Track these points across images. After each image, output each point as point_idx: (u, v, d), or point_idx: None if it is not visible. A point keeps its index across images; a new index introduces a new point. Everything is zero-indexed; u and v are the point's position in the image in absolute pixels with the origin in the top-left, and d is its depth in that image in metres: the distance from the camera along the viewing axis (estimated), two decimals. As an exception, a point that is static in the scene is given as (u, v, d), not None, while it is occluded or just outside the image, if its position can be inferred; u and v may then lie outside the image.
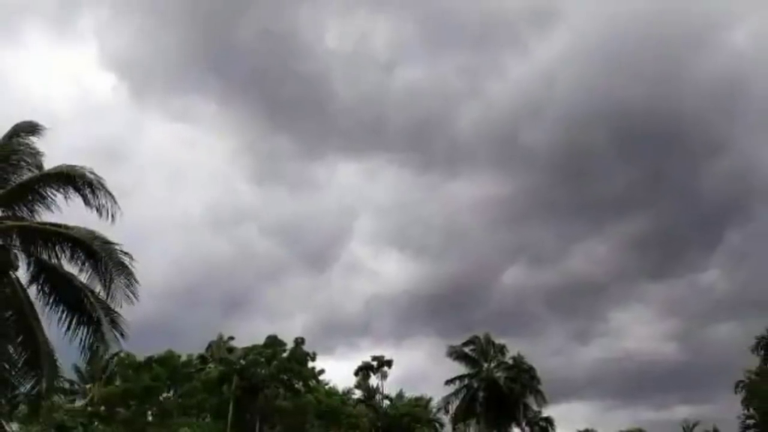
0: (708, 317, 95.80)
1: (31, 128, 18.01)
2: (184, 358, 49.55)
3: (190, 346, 51.96)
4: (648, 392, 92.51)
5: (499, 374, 49.42)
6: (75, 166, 16.80)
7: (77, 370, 47.69)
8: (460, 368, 50.06)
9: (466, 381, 49.63)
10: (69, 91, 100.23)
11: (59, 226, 16.68)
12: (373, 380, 62.19)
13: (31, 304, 16.87)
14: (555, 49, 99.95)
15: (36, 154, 17.86)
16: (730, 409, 52.51)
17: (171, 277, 70.93)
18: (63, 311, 16.72)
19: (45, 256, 16.77)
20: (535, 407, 50.83)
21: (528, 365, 49.61)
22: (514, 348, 50.93)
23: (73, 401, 47.74)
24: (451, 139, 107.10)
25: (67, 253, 16.64)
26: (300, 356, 49.82)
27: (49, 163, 17.69)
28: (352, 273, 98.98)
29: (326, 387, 53.77)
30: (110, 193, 16.68)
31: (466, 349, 49.98)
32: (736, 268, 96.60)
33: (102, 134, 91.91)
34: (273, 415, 48.66)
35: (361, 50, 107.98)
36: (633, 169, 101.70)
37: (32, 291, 16.89)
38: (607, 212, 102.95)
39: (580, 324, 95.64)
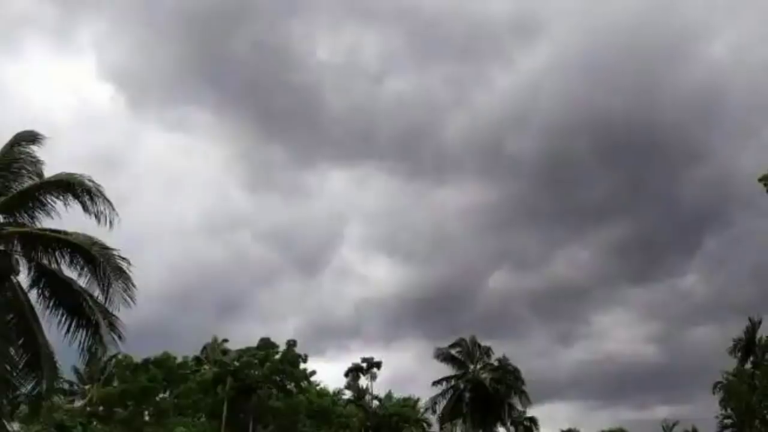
0: (687, 320, 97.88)
1: (31, 137, 18.10)
2: (179, 359, 49.41)
3: (185, 349, 52.12)
4: (629, 393, 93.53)
5: (485, 375, 49.73)
6: (74, 174, 17.05)
7: (76, 371, 47.84)
8: (447, 370, 50.47)
9: (452, 382, 49.96)
10: (68, 101, 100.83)
11: (59, 232, 16.85)
12: (363, 381, 63.12)
13: (31, 308, 17.05)
14: (538, 61, 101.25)
15: (36, 162, 17.93)
16: (708, 409, 53.73)
17: (167, 282, 71.49)
18: (63, 314, 16.93)
19: (45, 261, 16.95)
20: (519, 407, 51.25)
21: (513, 367, 49.95)
22: (499, 350, 51.41)
23: (72, 402, 47.87)
24: (438, 148, 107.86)
25: (67, 258, 16.82)
26: (292, 358, 50.14)
27: (49, 171, 17.87)
28: (342, 277, 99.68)
29: (317, 388, 53.79)
30: (108, 200, 16.91)
31: (453, 351, 50.17)
32: (714, 273, 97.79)
33: (100, 143, 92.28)
34: (266, 414, 49.08)
35: (351, 62, 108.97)
36: (614, 176, 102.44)
37: (33, 295, 17.11)
38: (589, 219, 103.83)
39: (563, 327, 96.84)
